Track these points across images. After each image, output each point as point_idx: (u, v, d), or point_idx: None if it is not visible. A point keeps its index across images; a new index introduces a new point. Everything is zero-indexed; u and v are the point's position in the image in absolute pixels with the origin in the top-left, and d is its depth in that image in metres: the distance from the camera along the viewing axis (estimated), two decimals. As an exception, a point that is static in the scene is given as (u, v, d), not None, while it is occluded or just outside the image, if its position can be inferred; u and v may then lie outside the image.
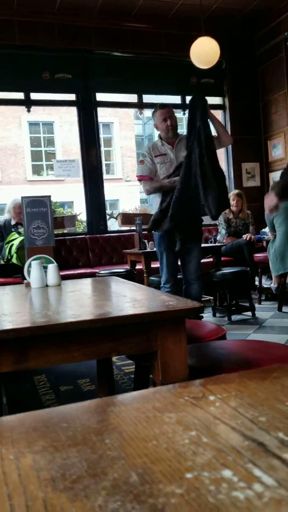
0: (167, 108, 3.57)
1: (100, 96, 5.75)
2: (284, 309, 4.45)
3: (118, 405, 0.56)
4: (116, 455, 0.42)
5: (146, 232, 4.20)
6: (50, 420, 0.53)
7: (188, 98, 5.99)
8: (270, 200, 2.23)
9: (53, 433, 0.48)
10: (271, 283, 4.65)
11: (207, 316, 4.36)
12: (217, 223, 5.38)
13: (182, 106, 5.97)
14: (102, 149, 6.86)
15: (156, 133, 3.75)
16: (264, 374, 0.63)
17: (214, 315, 4.43)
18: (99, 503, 0.35)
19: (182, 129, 3.79)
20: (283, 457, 0.39)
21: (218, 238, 5.35)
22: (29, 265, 1.96)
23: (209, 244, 5.12)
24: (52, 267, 1.96)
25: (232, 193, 5.25)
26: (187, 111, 3.70)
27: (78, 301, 1.51)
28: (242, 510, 0.32)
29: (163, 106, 3.58)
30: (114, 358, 3.06)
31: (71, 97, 5.65)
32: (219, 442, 0.43)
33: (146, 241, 4.41)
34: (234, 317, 4.27)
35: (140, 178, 3.53)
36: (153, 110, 3.65)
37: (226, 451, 0.41)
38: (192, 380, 0.63)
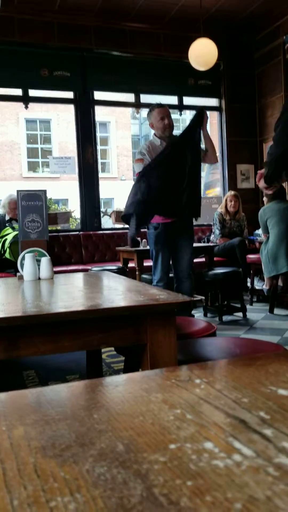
0: (165, 107, 3.59)
1: (98, 95, 5.76)
2: (276, 311, 4.49)
3: (107, 386, 0.58)
4: (103, 428, 0.44)
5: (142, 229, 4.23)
6: (41, 397, 0.54)
7: (185, 99, 6.04)
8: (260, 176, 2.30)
9: (44, 409, 0.50)
10: (263, 284, 4.69)
11: (198, 316, 4.38)
12: (212, 223, 5.42)
13: (179, 107, 6.00)
14: (98, 147, 6.87)
15: (152, 132, 3.77)
16: (250, 361, 0.65)
17: (205, 315, 4.45)
18: (87, 467, 0.37)
19: (178, 130, 3.80)
20: (262, 432, 0.41)
21: (211, 238, 5.38)
22: (23, 258, 1.97)
23: (202, 244, 5.15)
24: (45, 260, 1.98)
25: (229, 194, 5.29)
26: (183, 112, 3.74)
27: (70, 293, 1.52)
28: (221, 476, 0.34)
29: (161, 105, 3.60)
30: (103, 355, 3.07)
31: (69, 95, 5.66)
32: (203, 419, 0.45)
33: (139, 239, 4.43)
34: (225, 318, 4.30)
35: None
36: (148, 111, 3.66)
37: (208, 426, 0.43)
38: (180, 366, 0.65)
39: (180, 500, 0.31)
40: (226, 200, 5.26)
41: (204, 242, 5.55)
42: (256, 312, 4.55)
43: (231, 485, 0.33)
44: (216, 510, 0.30)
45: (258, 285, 4.90)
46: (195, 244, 4.07)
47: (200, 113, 3.53)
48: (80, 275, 2.22)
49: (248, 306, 4.66)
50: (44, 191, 2.20)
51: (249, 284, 4.91)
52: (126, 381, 0.61)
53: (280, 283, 4.57)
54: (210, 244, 5.06)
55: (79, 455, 0.39)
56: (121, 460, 0.37)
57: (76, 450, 0.40)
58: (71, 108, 5.79)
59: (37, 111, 15.81)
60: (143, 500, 0.32)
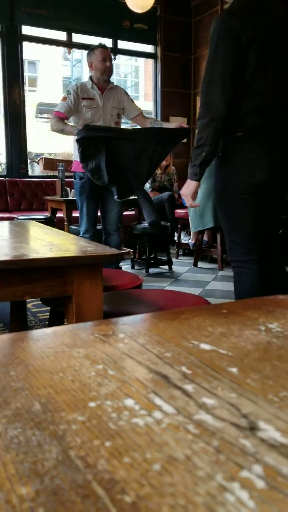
0: (108, 50, 3.42)
1: (27, 30, 5.34)
2: (199, 264, 4.63)
3: (27, 340, 0.55)
4: (20, 386, 0.42)
5: (68, 179, 4.09)
6: None
7: (120, 43, 5.79)
8: (190, 187, 2.02)
9: None
10: (189, 239, 4.80)
11: (126, 268, 4.42)
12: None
13: (114, 51, 5.75)
14: (26, 88, 6.45)
15: (85, 76, 3.58)
16: (174, 315, 0.65)
17: (132, 267, 4.50)
18: (-1, 430, 0.34)
19: (113, 76, 3.64)
20: (183, 388, 0.41)
21: (141, 191, 5.35)
22: None
23: (132, 197, 5.12)
24: None
25: None
26: (117, 57, 3.58)
27: (-8, 242, 1.44)
28: (141, 435, 0.33)
29: (104, 46, 3.42)
30: (29, 305, 3.02)
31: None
32: (124, 375, 0.44)
33: (68, 188, 4.30)
34: (152, 270, 4.37)
35: (56, 115, 3.36)
36: (89, 49, 3.46)
37: (130, 382, 0.42)
38: (104, 319, 0.63)
39: (97, 462, 0.30)
40: (157, 153, 5.22)
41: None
42: (181, 265, 4.67)
43: (151, 444, 0.32)
44: (134, 472, 0.29)
45: (184, 239, 5.01)
46: (125, 197, 4.02)
47: (186, 132, 3.37)
48: (4, 224, 2.12)
49: (174, 259, 4.77)
50: None
51: (176, 238, 5.00)
52: (48, 335, 0.58)
53: (205, 237, 4.71)
54: (140, 196, 5.04)
55: (-9, 417, 0.36)
56: (37, 421, 0.35)
57: (-12, 411, 0.37)
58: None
59: None
60: (58, 463, 0.30)
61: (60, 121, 3.34)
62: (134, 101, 3.64)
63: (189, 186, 2.01)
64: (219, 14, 1.85)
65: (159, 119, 6.04)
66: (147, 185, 5.19)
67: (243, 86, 1.82)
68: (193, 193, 2.02)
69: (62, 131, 3.34)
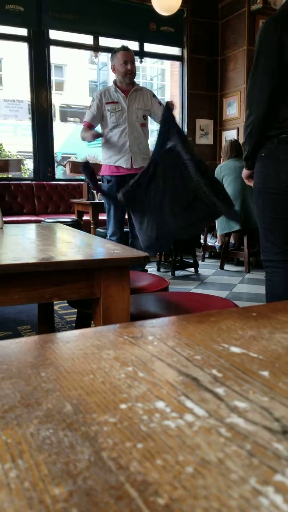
0: (130, 52, 3.43)
1: (54, 34, 5.41)
2: (226, 267, 4.60)
3: (57, 342, 0.56)
4: (51, 387, 0.42)
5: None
6: (-16, 354, 0.51)
7: (146, 46, 5.80)
8: (244, 173, 2.25)
9: (-13, 366, 0.47)
10: (216, 241, 4.77)
11: (152, 270, 4.42)
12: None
13: (140, 53, 5.77)
14: (53, 92, 6.55)
15: (111, 79, 3.61)
16: (203, 318, 0.65)
17: (158, 269, 4.50)
18: (31, 430, 0.34)
19: (138, 79, 3.66)
20: (214, 391, 0.41)
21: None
22: None
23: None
24: (-6, 210, 1.89)
25: None
26: (144, 60, 3.60)
27: (20, 244, 1.47)
28: (172, 438, 0.33)
29: (126, 48, 3.43)
30: (56, 307, 3.05)
31: (22, 32, 5.29)
32: (155, 377, 0.44)
33: (94, 191, 4.33)
34: (178, 273, 4.36)
35: (84, 124, 3.43)
36: (112, 52, 3.48)
37: (160, 384, 0.42)
38: (133, 321, 0.63)
39: (129, 464, 0.30)
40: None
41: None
42: (207, 267, 4.64)
43: (183, 447, 0.32)
44: (167, 474, 0.29)
45: (210, 241, 4.98)
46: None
47: (168, 106, 3.34)
48: (32, 226, 2.15)
49: (200, 262, 4.74)
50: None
51: (202, 241, 4.98)
52: (77, 337, 0.59)
53: (232, 240, 4.67)
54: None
55: (24, 417, 0.37)
56: (68, 422, 0.36)
57: (20, 411, 0.38)
58: (24, 46, 5.40)
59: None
60: (91, 465, 0.30)
61: (86, 129, 3.39)
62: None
63: (243, 172, 2.26)
64: (268, 18, 1.88)
65: (186, 122, 6.04)
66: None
67: (286, 90, 1.85)
68: (246, 178, 2.26)
69: (84, 139, 3.41)
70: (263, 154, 2.01)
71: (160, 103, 3.58)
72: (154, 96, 3.56)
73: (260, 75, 1.85)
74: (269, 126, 1.92)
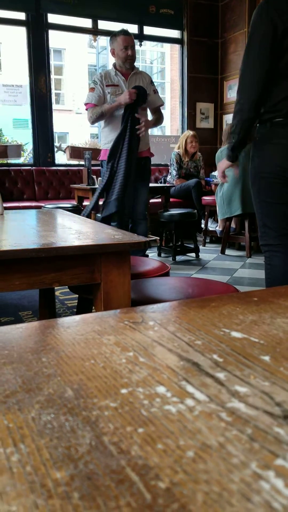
0: (131, 37, 3.37)
1: (52, 18, 5.32)
2: (227, 252, 4.59)
3: (58, 328, 0.56)
4: (52, 372, 0.42)
5: (95, 167, 4.10)
6: (-15, 340, 0.51)
7: (145, 28, 5.72)
8: (222, 164, 2.20)
9: (-12, 352, 0.47)
10: (217, 226, 4.75)
11: (152, 255, 4.42)
12: (168, 163, 5.34)
13: (139, 37, 5.68)
14: (52, 76, 6.47)
15: (110, 63, 3.56)
16: (203, 303, 0.65)
17: (159, 255, 4.50)
18: (33, 415, 0.35)
19: (138, 63, 3.61)
20: (215, 376, 0.41)
21: (168, 179, 5.32)
22: None
23: (159, 184, 5.09)
24: (-6, 196, 1.88)
25: (189, 134, 5.16)
26: (143, 43, 3.54)
27: (21, 230, 1.46)
28: (173, 422, 0.33)
29: (127, 33, 3.37)
30: (57, 292, 3.06)
31: (20, 16, 5.19)
32: (155, 362, 0.44)
33: (94, 176, 4.31)
34: (179, 258, 4.36)
35: (89, 107, 3.37)
36: (112, 35, 3.42)
37: (161, 369, 0.42)
38: (133, 307, 0.63)
39: (130, 448, 0.30)
40: (185, 140, 5.14)
41: (161, 182, 5.49)
42: (208, 252, 4.64)
43: (184, 431, 0.32)
44: (168, 459, 0.29)
45: (211, 226, 4.97)
46: (151, 185, 4.01)
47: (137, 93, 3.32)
48: (32, 212, 2.14)
49: (201, 247, 4.74)
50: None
51: (203, 225, 4.97)
52: (78, 322, 0.59)
53: (233, 225, 4.65)
54: (166, 185, 5.01)
55: (25, 402, 0.37)
56: (69, 407, 0.36)
57: (21, 396, 0.38)
58: (22, 30, 5.32)
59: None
60: (92, 449, 0.30)
61: (95, 108, 3.34)
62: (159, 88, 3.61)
63: (222, 163, 2.20)
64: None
65: (186, 106, 5.97)
66: (174, 173, 5.15)
67: (278, 73, 1.82)
68: (221, 171, 2.23)
69: (102, 115, 3.33)
70: (257, 139, 1.98)
71: (155, 91, 3.55)
72: (151, 82, 3.52)
73: (252, 58, 1.82)
74: (260, 111, 1.89)
